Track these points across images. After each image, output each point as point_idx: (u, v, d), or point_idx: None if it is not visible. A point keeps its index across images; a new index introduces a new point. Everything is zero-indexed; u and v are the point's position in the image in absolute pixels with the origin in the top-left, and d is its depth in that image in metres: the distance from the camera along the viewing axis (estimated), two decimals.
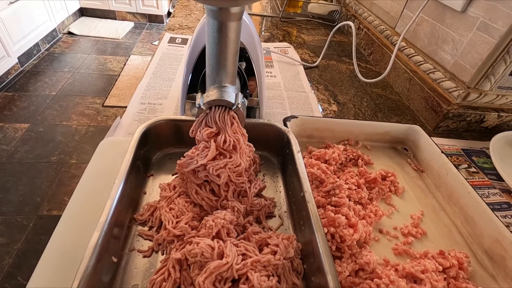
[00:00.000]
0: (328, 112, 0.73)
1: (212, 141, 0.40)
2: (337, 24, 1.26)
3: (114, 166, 0.40)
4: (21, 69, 2.66)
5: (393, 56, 0.76)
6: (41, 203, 1.66)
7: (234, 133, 0.41)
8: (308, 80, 0.85)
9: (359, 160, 0.54)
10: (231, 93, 0.42)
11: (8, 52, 2.44)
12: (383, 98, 0.83)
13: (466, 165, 0.62)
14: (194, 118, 0.47)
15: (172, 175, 0.48)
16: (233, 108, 0.41)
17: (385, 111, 0.77)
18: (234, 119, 0.42)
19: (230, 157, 0.40)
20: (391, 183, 0.51)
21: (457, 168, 0.60)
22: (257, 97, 0.55)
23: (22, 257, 1.41)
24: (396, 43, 0.90)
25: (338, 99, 0.79)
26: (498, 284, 0.40)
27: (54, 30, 3.06)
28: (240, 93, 0.42)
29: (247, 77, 0.55)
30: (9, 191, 1.73)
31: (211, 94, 0.41)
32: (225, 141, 0.39)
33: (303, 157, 0.54)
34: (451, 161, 0.59)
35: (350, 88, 0.85)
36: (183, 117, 0.50)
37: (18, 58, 2.55)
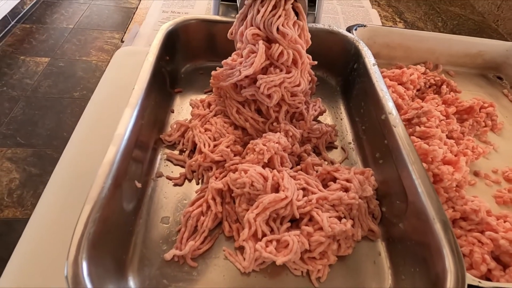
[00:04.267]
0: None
1: (261, 42, 0.28)
2: None
3: (133, 78, 0.30)
4: None
5: None
6: (68, 138, 1.69)
7: (294, 42, 0.28)
8: None
9: (443, 87, 0.41)
10: None
11: None
12: (463, 19, 0.65)
13: None
14: (233, 20, 0.35)
15: (205, 92, 0.38)
16: None
17: (467, 33, 0.60)
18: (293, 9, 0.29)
19: (289, 72, 0.29)
20: (487, 115, 0.38)
21: None
22: None
23: None
24: None
25: (405, 17, 0.62)
26: None
27: None
28: None
29: None
30: (37, 124, 1.76)
31: None
32: (281, 54, 0.28)
33: None
34: None
35: (420, 4, 0.67)
36: (220, 18, 0.38)
37: None
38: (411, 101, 0.38)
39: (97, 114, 0.34)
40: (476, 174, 0.34)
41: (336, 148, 0.34)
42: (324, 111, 0.36)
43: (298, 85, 0.30)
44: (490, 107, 0.39)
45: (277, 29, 0.28)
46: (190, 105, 0.35)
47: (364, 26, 0.42)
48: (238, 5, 0.31)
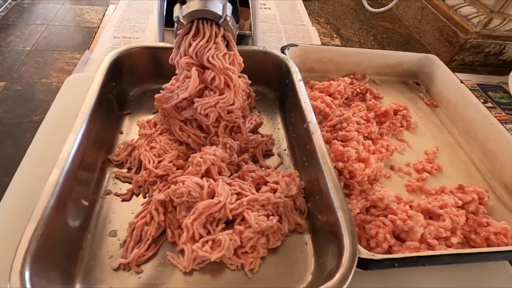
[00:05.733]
0: (331, 46, 0.64)
1: (194, 68, 0.32)
2: None
3: (82, 104, 0.33)
4: None
5: None
6: None
7: (224, 69, 0.33)
8: (307, 13, 0.74)
9: (367, 94, 0.48)
10: (218, 3, 0.33)
11: None
12: (391, 32, 0.73)
13: (482, 100, 0.56)
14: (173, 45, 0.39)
15: (153, 113, 0.41)
16: (221, 21, 0.33)
17: (394, 46, 0.68)
18: (224, 39, 0.34)
19: (222, 94, 0.33)
20: (403, 117, 0.45)
21: None
22: (250, 24, 0.46)
23: None
24: None
25: (341, 33, 0.70)
26: None
27: None
28: (228, 4, 0.34)
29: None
30: None
31: (193, 4, 0.33)
32: (214, 79, 0.32)
33: None
34: None
35: (355, 21, 0.75)
36: (162, 44, 0.42)
37: None
38: (337, 108, 0.43)
39: (46, 140, 0.36)
40: (391, 168, 0.39)
41: (273, 155, 0.39)
42: (261, 123, 0.40)
43: (233, 104, 0.35)
44: (405, 110, 0.46)
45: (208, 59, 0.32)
46: (138, 125, 0.38)
47: (296, 45, 0.48)
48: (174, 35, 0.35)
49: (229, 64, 0.34)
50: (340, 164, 0.33)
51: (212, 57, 0.32)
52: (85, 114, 0.31)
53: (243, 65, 0.37)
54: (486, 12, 0.58)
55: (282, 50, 0.47)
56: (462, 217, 0.31)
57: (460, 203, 0.34)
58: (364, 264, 0.24)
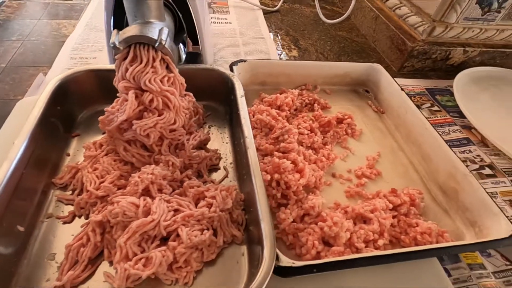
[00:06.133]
0: (288, 58, 0.66)
1: (130, 92, 0.33)
2: None
3: None
4: None
5: None
6: None
7: (162, 91, 0.34)
8: (267, 25, 0.77)
9: (315, 105, 0.50)
10: (154, 28, 0.35)
11: None
12: (348, 41, 0.77)
13: (429, 104, 0.60)
14: None
15: (103, 133, 0.42)
16: (156, 45, 0.34)
17: (350, 54, 0.71)
18: (163, 61, 0.35)
19: (161, 114, 0.34)
20: (348, 125, 0.47)
21: (419, 108, 0.58)
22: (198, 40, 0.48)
23: None
24: None
25: (300, 44, 0.72)
26: (451, 218, 0.39)
27: None
28: (165, 28, 0.35)
29: (183, 17, 0.47)
30: None
31: (129, 29, 0.34)
32: (152, 101, 0.33)
33: (253, 105, 0.49)
34: (414, 101, 0.56)
35: (314, 32, 0.78)
36: (108, 67, 0.43)
37: None
38: (284, 120, 0.45)
39: None
40: (333, 175, 0.41)
41: (219, 168, 0.40)
42: (207, 139, 0.42)
43: (174, 123, 0.36)
44: (349, 118, 0.48)
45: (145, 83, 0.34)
46: (83, 147, 0.38)
47: (245, 61, 0.50)
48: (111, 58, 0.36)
49: (170, 85, 0.36)
50: (276, 176, 0.35)
51: (149, 81, 0.33)
52: (21, 141, 0.32)
53: (185, 85, 0.38)
54: (429, 21, 0.62)
55: (231, 66, 0.49)
56: (388, 220, 0.33)
57: (391, 206, 0.36)
58: (285, 272, 0.26)
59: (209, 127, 0.46)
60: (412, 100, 0.49)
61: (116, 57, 0.35)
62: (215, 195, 0.33)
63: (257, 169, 0.32)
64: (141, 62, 0.34)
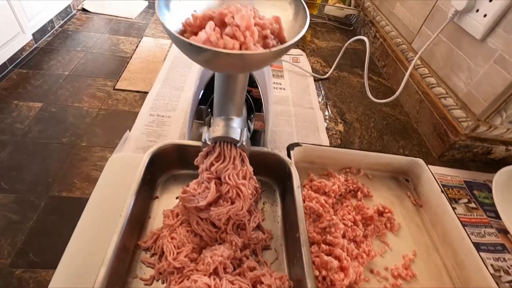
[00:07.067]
0: (334, 132, 0.73)
1: (212, 182, 0.41)
2: (353, 28, 1.23)
3: (124, 185, 0.43)
4: (35, 45, 2.67)
5: (406, 76, 0.75)
6: (52, 184, 1.73)
7: (238, 180, 0.41)
8: (318, 94, 0.84)
9: (358, 193, 0.55)
10: (237, 129, 0.42)
11: (23, 29, 2.44)
12: (392, 118, 0.82)
13: (466, 200, 0.63)
14: (199, 143, 0.49)
15: (176, 198, 0.50)
16: (238, 145, 0.42)
17: (392, 134, 0.76)
18: (240, 156, 0.43)
19: (233, 203, 0.42)
20: (387, 219, 0.52)
21: (456, 202, 0.61)
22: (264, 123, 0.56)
23: (33, 235, 1.50)
24: (411, 60, 0.88)
25: (346, 117, 0.79)
26: None
27: (69, 6, 3.04)
28: (246, 129, 0.43)
29: (254, 105, 0.55)
30: (22, 170, 1.80)
31: (217, 129, 0.42)
32: (228, 191, 0.41)
33: (304, 186, 0.55)
34: (451, 194, 0.60)
35: (359, 105, 0.84)
36: (189, 142, 0.51)
37: (33, 34, 2.56)
38: (331, 207, 0.51)
39: (93, 218, 0.45)
40: (371, 271, 0.46)
41: (271, 249, 0.46)
42: (263, 220, 0.48)
43: (241, 210, 0.43)
44: (389, 213, 0.53)
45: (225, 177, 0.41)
46: (163, 214, 0.46)
47: (300, 145, 0.56)
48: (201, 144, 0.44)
49: (242, 177, 0.43)
50: (324, 272, 0.40)
51: (229, 176, 0.41)
52: (125, 212, 0.40)
53: (253, 176, 0.45)
54: (473, 119, 0.66)
55: (288, 149, 0.55)
56: None
57: None
58: None
59: (263, 203, 0.52)
60: (449, 193, 0.53)
61: (204, 149, 0.43)
62: (271, 284, 0.38)
63: (310, 269, 0.37)
64: (224, 160, 0.41)
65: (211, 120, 0.48)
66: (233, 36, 0.26)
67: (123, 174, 0.50)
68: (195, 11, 0.37)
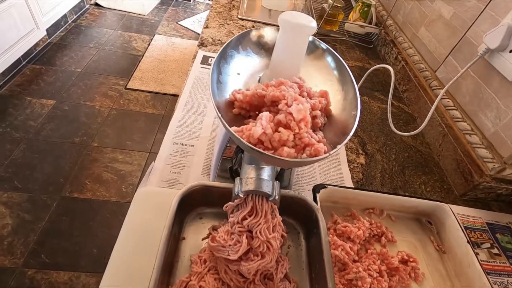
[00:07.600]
0: (356, 165, 0.72)
1: (244, 236, 0.41)
2: (373, 46, 1.21)
3: (152, 221, 0.44)
4: (48, 40, 2.67)
5: (432, 110, 0.73)
6: (64, 184, 1.74)
7: (268, 235, 0.41)
8: None
9: (383, 238, 0.55)
10: (269, 182, 0.42)
11: (37, 25, 2.45)
12: (413, 150, 0.81)
13: (488, 245, 0.62)
14: (226, 185, 0.49)
15: (203, 239, 0.51)
16: (270, 199, 0.42)
17: (414, 168, 0.76)
18: (272, 209, 0.43)
19: (263, 257, 0.42)
20: (412, 269, 0.52)
21: (479, 247, 0.61)
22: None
23: (45, 236, 1.52)
24: (435, 89, 0.87)
25: (367, 148, 0.78)
26: None
27: (82, 0, 3.03)
28: (277, 182, 0.43)
29: None
30: (35, 168, 1.81)
31: (249, 182, 0.42)
32: (259, 246, 0.41)
33: (328, 229, 0.55)
34: (474, 238, 0.60)
35: (380, 134, 0.83)
36: (217, 184, 0.51)
37: (47, 30, 2.56)
38: (356, 255, 0.51)
39: (123, 259, 0.46)
40: None
41: None
42: (289, 268, 0.48)
43: (270, 263, 0.43)
44: (413, 262, 0.52)
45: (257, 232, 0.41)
46: (191, 260, 0.47)
47: (326, 187, 0.56)
48: (232, 196, 0.44)
49: (272, 229, 0.43)
50: None
51: (260, 231, 0.41)
52: (158, 266, 0.40)
53: (282, 225, 0.45)
54: (500, 162, 0.65)
55: (314, 191, 0.55)
56: None
57: None
58: None
59: (288, 247, 0.52)
60: (471, 236, 0.53)
61: (236, 201, 0.43)
62: None
63: None
64: (256, 215, 0.42)
65: (241, 166, 0.48)
66: (287, 126, 0.26)
67: (151, 211, 0.51)
68: (238, 74, 0.37)
